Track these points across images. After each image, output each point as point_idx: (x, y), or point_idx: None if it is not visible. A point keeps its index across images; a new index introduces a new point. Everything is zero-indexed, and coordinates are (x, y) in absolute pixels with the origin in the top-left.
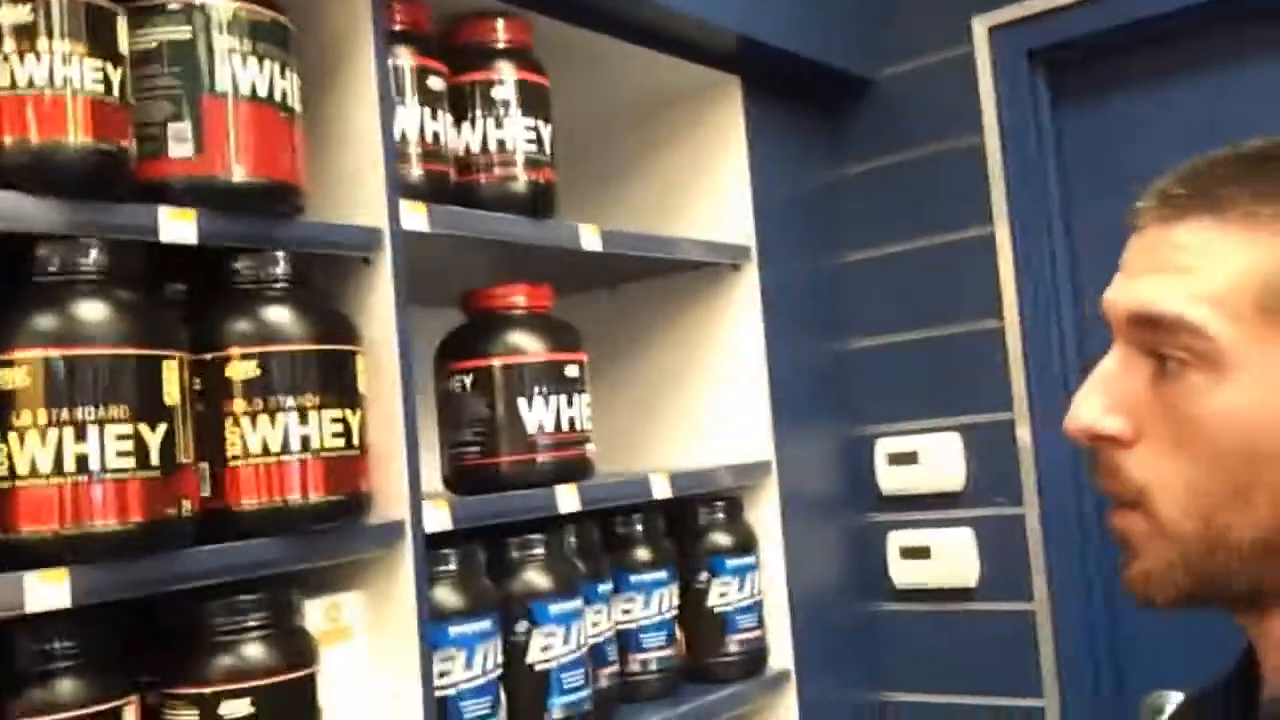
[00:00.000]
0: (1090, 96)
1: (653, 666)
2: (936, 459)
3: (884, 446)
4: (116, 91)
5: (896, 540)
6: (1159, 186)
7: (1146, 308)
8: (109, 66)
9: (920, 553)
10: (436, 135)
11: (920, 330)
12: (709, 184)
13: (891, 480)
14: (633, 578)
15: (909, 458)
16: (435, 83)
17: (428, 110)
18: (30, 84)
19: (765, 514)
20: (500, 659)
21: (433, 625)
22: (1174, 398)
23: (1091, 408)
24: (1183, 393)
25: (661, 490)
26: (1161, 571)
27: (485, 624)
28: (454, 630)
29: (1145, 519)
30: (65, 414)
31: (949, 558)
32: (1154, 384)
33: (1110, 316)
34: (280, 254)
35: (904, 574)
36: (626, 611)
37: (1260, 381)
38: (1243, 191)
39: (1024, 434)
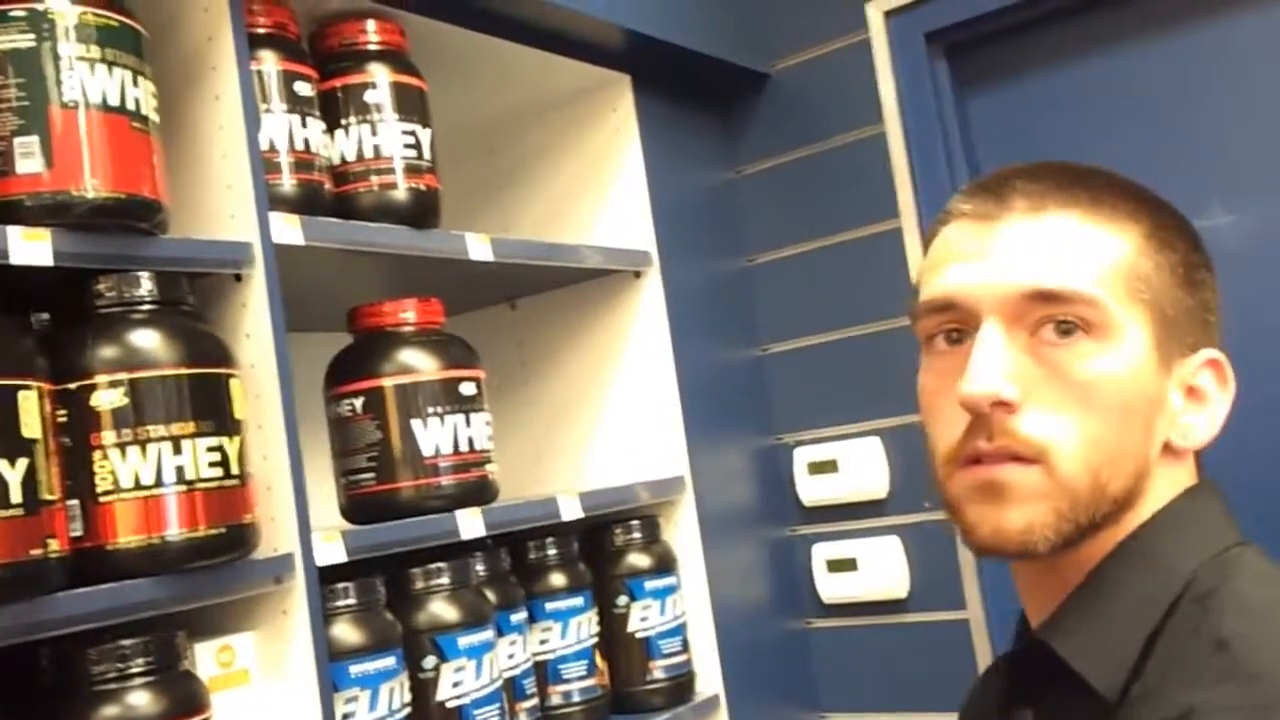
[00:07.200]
0: (993, 78)
1: (575, 698)
2: (857, 466)
3: (803, 455)
4: None
5: (822, 553)
6: (1009, 185)
7: (1042, 284)
8: None
9: (847, 565)
10: (308, 143)
11: (833, 331)
12: (604, 188)
13: (812, 490)
14: (548, 605)
15: (829, 466)
16: (303, 88)
17: (296, 118)
18: None
19: (683, 532)
20: (407, 697)
21: (333, 664)
22: (1066, 361)
23: (991, 375)
24: (1076, 357)
25: (571, 511)
26: (1048, 521)
27: (389, 660)
28: (355, 669)
29: (1044, 473)
30: None
31: (877, 569)
32: (1032, 352)
33: (983, 298)
34: (144, 274)
35: (831, 587)
36: (543, 641)
37: (1128, 349)
38: (1085, 191)
39: None
